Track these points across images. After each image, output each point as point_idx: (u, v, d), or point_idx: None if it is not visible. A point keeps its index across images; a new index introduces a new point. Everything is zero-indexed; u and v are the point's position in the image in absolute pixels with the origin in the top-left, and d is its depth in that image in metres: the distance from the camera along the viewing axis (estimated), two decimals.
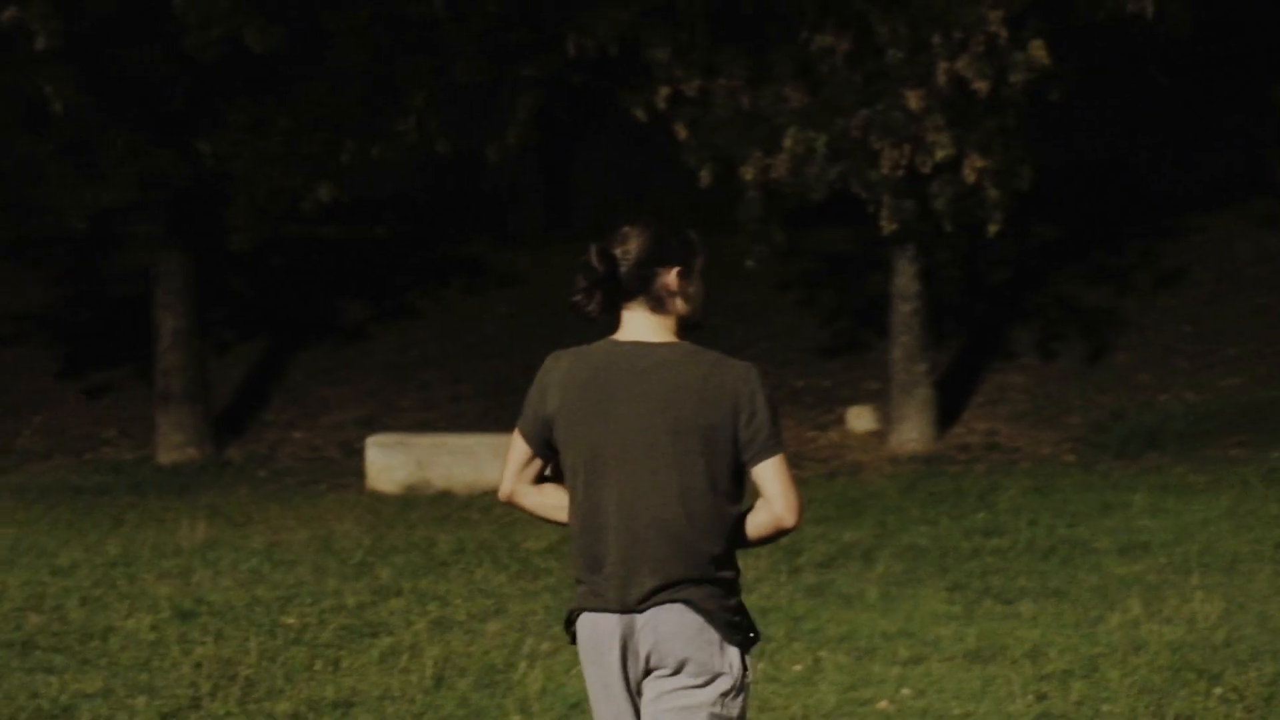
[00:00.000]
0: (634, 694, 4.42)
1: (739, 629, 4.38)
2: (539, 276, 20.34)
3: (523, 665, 8.53)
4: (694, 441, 4.33)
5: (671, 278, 4.43)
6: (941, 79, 14.67)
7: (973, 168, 14.77)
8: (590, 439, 4.40)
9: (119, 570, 11.41)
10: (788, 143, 14.97)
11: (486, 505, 14.22)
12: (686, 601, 4.33)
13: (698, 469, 4.33)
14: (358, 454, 16.12)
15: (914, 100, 14.73)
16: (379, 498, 14.91)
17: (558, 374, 4.47)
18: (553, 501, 4.55)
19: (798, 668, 8.26)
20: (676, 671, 4.35)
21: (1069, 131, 20.03)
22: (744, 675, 4.39)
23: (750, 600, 4.79)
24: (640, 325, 4.45)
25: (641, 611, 4.34)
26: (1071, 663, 8.17)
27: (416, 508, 14.21)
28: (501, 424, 16.92)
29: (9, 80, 15.68)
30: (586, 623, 4.44)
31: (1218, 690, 7.63)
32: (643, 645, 4.36)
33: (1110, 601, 9.54)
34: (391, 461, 15.29)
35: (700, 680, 4.34)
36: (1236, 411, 16.00)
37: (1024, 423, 16.37)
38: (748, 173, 15.17)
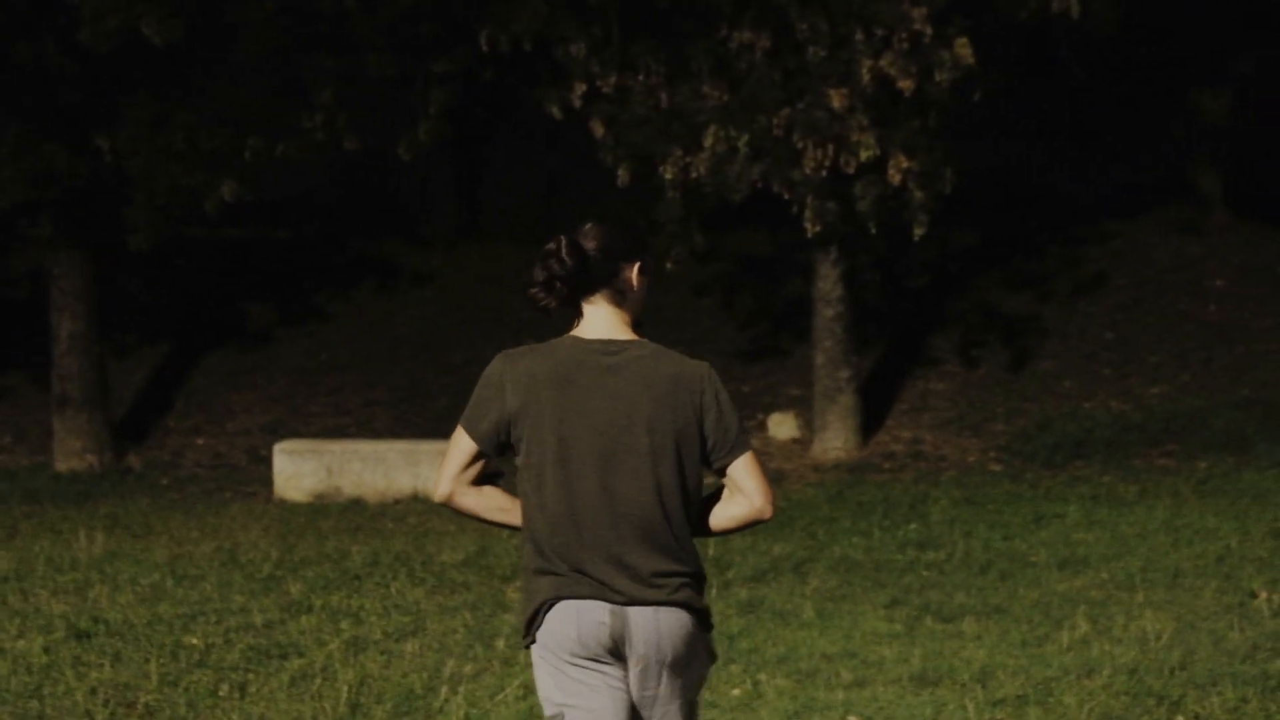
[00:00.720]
0: (620, 679, 4.40)
1: (709, 617, 4.51)
2: (451, 277, 19.91)
3: (444, 690, 8.04)
4: (668, 439, 4.39)
5: (634, 272, 4.52)
6: (865, 77, 14.38)
7: (898, 168, 14.50)
8: (561, 435, 4.38)
9: (10, 585, 10.85)
10: (708, 141, 14.65)
11: (400, 514, 13.78)
12: (682, 604, 4.39)
13: (670, 466, 4.38)
14: (265, 461, 15.67)
15: (837, 99, 14.43)
16: (287, 507, 14.43)
17: (516, 372, 4.44)
18: (498, 504, 4.51)
19: (736, 692, 7.82)
20: (674, 670, 4.41)
21: (989, 136, 19.82)
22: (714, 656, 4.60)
23: None
24: (603, 320, 4.49)
25: (635, 606, 4.35)
26: (1024, 686, 7.78)
27: (327, 517, 13.75)
28: (415, 429, 16.52)
29: None
30: (567, 609, 4.37)
31: (1179, 718, 7.26)
32: (640, 641, 4.37)
33: (1056, 619, 9.18)
34: (300, 469, 14.81)
35: (695, 676, 4.48)
36: (1161, 420, 15.80)
37: (948, 430, 16.08)
38: (668, 172, 14.83)
